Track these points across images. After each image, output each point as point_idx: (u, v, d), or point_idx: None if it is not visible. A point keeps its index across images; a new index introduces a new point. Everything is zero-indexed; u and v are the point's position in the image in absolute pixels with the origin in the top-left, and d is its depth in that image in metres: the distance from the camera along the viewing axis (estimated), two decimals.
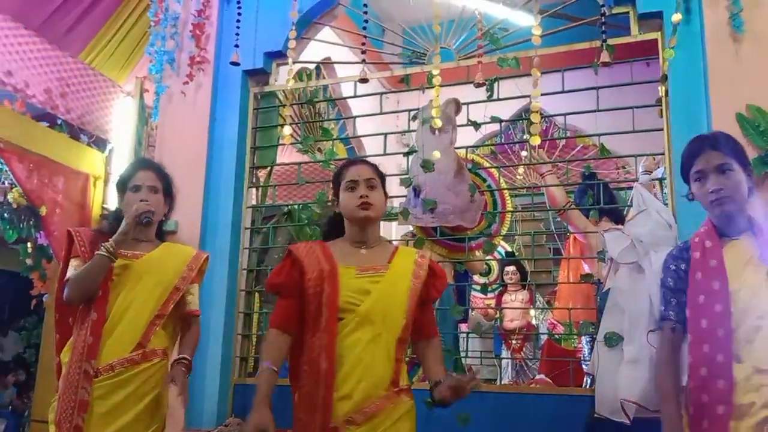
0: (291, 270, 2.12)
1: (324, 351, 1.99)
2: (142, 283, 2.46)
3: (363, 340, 2.02)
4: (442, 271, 2.27)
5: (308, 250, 2.14)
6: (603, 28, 3.00)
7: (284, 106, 3.68)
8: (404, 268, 2.16)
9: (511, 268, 5.17)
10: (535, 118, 3.04)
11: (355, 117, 5.40)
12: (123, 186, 2.57)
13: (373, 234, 2.22)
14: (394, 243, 2.35)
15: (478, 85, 3.25)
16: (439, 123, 3.25)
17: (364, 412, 1.96)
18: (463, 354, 3.64)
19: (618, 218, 3.60)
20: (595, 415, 2.61)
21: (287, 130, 3.54)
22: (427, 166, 3.28)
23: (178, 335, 2.62)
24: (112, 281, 2.42)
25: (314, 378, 1.99)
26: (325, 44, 3.97)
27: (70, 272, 2.43)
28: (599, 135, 3.40)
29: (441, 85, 3.27)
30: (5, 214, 4.53)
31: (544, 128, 4.28)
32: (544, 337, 5.09)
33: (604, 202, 3.34)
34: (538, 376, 4.13)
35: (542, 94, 3.13)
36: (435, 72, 3.25)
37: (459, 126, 3.47)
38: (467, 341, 3.69)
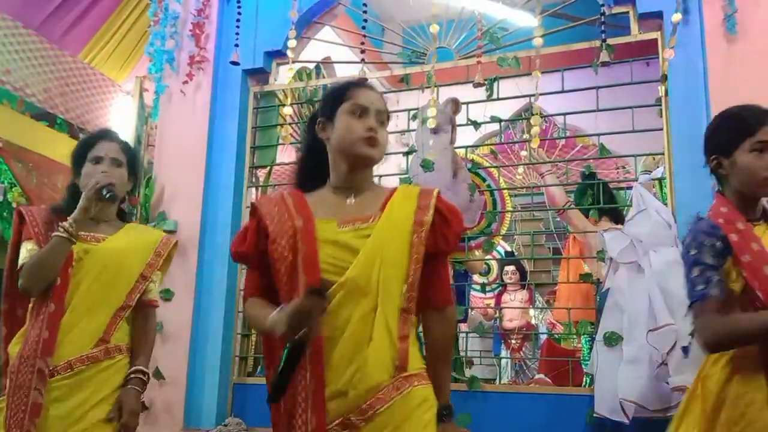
0: (257, 233, 1.66)
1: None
2: (105, 271, 2.13)
3: (354, 317, 1.51)
4: (455, 212, 1.67)
5: (276, 203, 1.66)
6: (603, 28, 3.00)
7: (284, 105, 3.67)
8: (403, 213, 1.62)
9: (510, 268, 5.17)
10: (534, 121, 3.04)
11: None
12: (81, 157, 2.21)
13: (365, 178, 1.69)
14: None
15: (478, 85, 3.25)
16: (433, 123, 3.25)
17: (362, 411, 1.47)
18: (462, 354, 3.64)
19: (617, 218, 3.60)
20: (595, 415, 2.62)
21: (287, 129, 3.54)
22: (426, 165, 3.28)
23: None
24: (72, 268, 2.08)
25: (298, 372, 1.49)
26: (325, 44, 3.96)
27: (23, 257, 2.10)
28: (599, 135, 3.40)
29: (441, 85, 3.27)
30: (5, 214, 4.53)
31: (543, 128, 4.28)
32: (543, 337, 5.09)
33: (604, 201, 3.34)
34: (537, 376, 4.13)
35: (542, 94, 3.14)
36: (434, 72, 3.25)
37: (458, 126, 3.47)
38: (467, 341, 3.69)
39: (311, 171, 1.74)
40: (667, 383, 2.42)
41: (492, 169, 4.11)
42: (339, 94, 1.68)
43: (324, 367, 1.49)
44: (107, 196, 2.09)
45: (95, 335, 2.10)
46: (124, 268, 2.18)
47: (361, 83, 1.73)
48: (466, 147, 3.72)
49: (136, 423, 2.10)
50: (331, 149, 1.68)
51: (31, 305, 2.13)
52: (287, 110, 3.60)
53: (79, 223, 2.05)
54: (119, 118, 4.66)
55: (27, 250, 2.10)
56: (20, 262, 2.10)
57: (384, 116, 1.68)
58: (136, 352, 2.20)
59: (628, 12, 3.08)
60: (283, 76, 3.62)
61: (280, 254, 1.58)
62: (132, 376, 2.14)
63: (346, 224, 1.60)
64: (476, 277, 4.83)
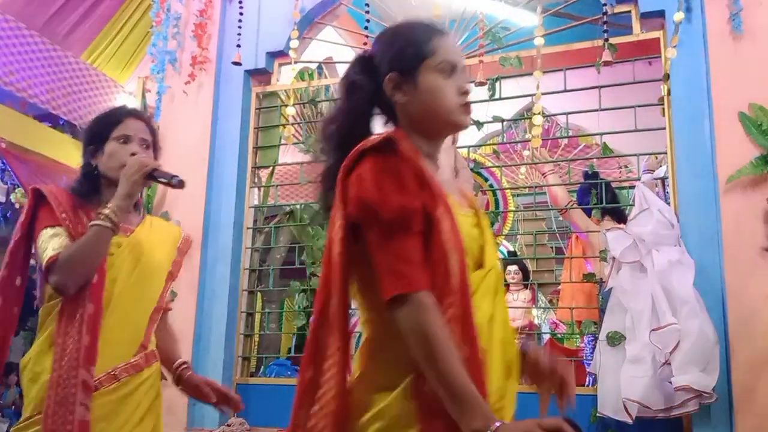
0: (421, 187, 1.24)
1: (461, 327, 1.17)
2: (139, 267, 1.91)
3: (497, 314, 1.30)
4: None
5: (416, 155, 1.30)
6: (605, 27, 3.00)
7: (286, 105, 3.68)
8: (479, 206, 1.47)
9: (513, 268, 5.16)
10: (536, 120, 3.04)
11: None
12: (102, 135, 1.93)
13: (438, 153, 1.50)
14: None
15: (480, 84, 3.25)
16: None
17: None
18: None
19: (620, 217, 3.60)
20: (598, 414, 2.61)
21: (289, 129, 3.54)
22: None
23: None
24: (106, 263, 1.84)
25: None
26: (327, 44, 3.97)
27: (54, 247, 1.78)
28: (601, 134, 3.40)
29: None
30: (8, 214, 4.54)
31: (546, 127, 4.28)
32: (546, 337, 5.08)
33: (607, 201, 3.34)
34: None
35: (544, 94, 3.14)
36: None
37: None
38: None
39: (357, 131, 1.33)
40: (670, 383, 2.41)
41: (494, 169, 4.12)
42: (422, 46, 1.35)
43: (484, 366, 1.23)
44: (175, 182, 1.84)
45: (136, 340, 1.89)
46: (155, 264, 1.97)
47: (442, 30, 1.41)
48: (469, 147, 3.72)
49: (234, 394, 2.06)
50: (408, 113, 1.35)
51: (54, 305, 1.83)
52: (290, 110, 3.60)
53: (122, 211, 1.80)
54: None
55: (57, 240, 1.80)
56: (49, 252, 1.78)
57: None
58: (175, 351, 2.09)
59: (630, 11, 3.07)
60: (285, 77, 3.63)
61: (437, 222, 1.22)
62: (182, 365, 2.04)
63: (462, 207, 1.39)
64: None
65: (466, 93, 1.35)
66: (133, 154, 1.88)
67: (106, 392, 1.79)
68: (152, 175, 1.85)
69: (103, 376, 1.79)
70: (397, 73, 1.34)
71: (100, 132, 1.95)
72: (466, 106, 1.36)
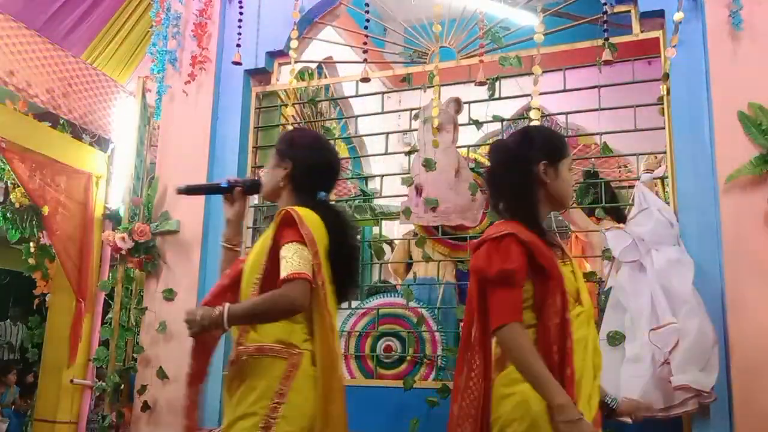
0: (521, 254, 1.84)
1: (558, 342, 1.80)
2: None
3: (590, 341, 1.87)
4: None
5: (530, 236, 1.87)
6: (605, 27, 3.00)
7: (286, 105, 3.68)
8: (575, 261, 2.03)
9: None
10: (534, 114, 3.04)
11: (357, 116, 5.41)
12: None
13: None
14: None
15: (480, 84, 3.26)
16: (435, 122, 3.25)
17: None
18: None
19: (620, 217, 3.60)
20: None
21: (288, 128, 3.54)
22: (428, 165, 3.28)
23: None
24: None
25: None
26: (327, 43, 3.97)
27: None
28: (600, 134, 3.40)
29: (442, 84, 3.27)
30: (8, 214, 4.54)
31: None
32: None
33: (606, 200, 3.34)
34: None
35: (544, 93, 3.14)
36: (436, 71, 3.25)
37: (460, 125, 3.48)
38: None
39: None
40: (670, 382, 2.42)
41: None
42: (557, 148, 1.98)
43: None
44: (248, 185, 2.23)
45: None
46: (249, 265, 2.08)
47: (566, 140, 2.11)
48: (469, 147, 3.72)
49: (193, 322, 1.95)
50: (544, 193, 1.95)
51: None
52: (289, 110, 3.60)
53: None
54: (122, 118, 4.66)
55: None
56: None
57: None
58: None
59: (630, 11, 3.08)
60: (285, 76, 3.63)
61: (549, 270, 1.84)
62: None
63: (562, 259, 1.94)
64: None
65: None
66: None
67: None
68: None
69: None
70: (547, 163, 1.94)
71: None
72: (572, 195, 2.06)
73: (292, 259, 1.89)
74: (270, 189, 2.18)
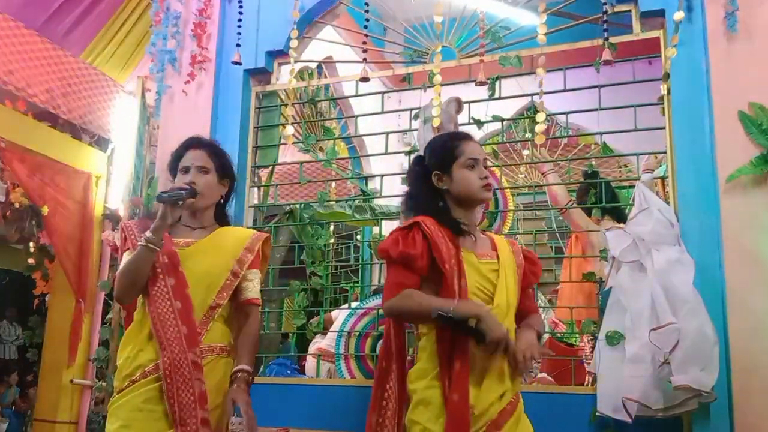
0: (422, 244, 2.01)
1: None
2: (197, 272, 2.25)
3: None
4: (535, 256, 2.29)
5: (435, 228, 2.04)
6: (605, 27, 2.99)
7: (286, 105, 3.67)
8: (509, 257, 2.13)
9: None
10: (539, 117, 3.04)
11: (356, 116, 5.41)
12: (174, 168, 2.38)
13: (475, 218, 2.18)
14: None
15: (480, 84, 3.25)
16: (437, 122, 3.25)
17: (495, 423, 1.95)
18: None
19: (620, 217, 3.60)
20: (597, 414, 2.61)
21: (289, 129, 3.53)
22: None
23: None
24: (182, 271, 2.24)
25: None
26: (327, 43, 3.96)
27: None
28: (601, 133, 3.40)
29: (443, 84, 3.26)
30: (7, 214, 4.54)
31: (546, 127, 4.26)
32: (546, 336, 5.08)
33: (606, 200, 3.34)
34: (540, 375, 4.13)
35: (544, 93, 3.13)
36: (436, 71, 3.25)
37: (461, 125, 3.47)
38: None
39: (441, 207, 2.13)
40: (670, 382, 2.41)
41: (494, 169, 4.11)
42: (449, 151, 2.11)
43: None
44: (176, 200, 2.16)
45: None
46: (213, 267, 2.27)
47: (465, 138, 2.16)
48: None
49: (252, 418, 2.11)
50: (451, 195, 2.11)
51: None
52: (289, 110, 3.60)
53: (158, 230, 2.13)
54: (121, 118, 4.67)
55: (123, 261, 2.24)
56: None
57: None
58: (240, 352, 2.24)
59: (630, 10, 3.07)
60: (285, 76, 3.62)
61: (449, 268, 1.97)
62: (238, 375, 2.18)
63: (481, 257, 2.06)
64: None
65: (485, 178, 2.08)
66: (190, 182, 2.26)
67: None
68: (163, 199, 2.14)
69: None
70: (440, 172, 2.12)
71: (172, 166, 2.38)
72: (488, 186, 2.07)
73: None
74: (210, 202, 2.36)
